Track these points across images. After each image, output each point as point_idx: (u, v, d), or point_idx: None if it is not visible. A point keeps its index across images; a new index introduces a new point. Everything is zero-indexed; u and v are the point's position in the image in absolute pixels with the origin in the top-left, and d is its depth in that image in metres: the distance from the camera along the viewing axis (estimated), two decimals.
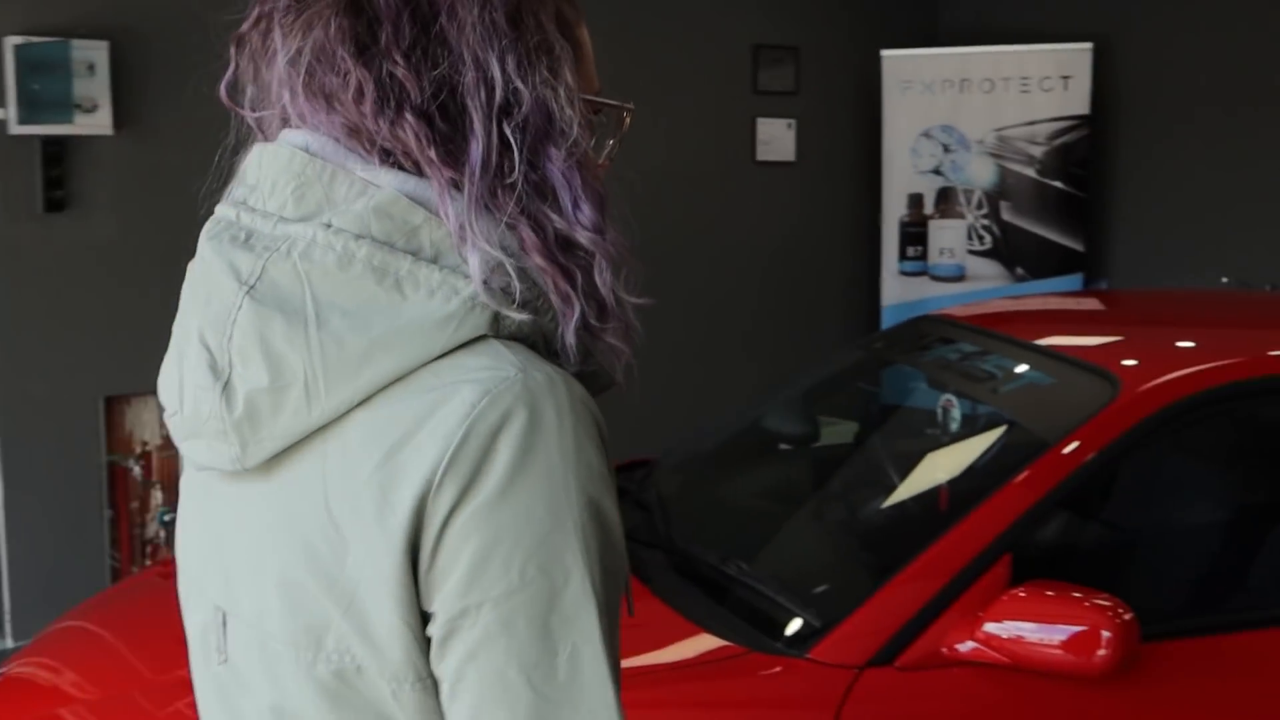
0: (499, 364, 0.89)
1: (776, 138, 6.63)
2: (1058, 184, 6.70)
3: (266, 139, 0.99)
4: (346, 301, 0.90)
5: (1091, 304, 3.57)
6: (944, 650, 2.06)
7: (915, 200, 6.79)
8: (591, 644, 0.89)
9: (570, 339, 0.94)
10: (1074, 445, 2.22)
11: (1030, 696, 2.05)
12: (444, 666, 0.89)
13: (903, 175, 6.75)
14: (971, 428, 2.66)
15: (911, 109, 6.70)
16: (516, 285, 0.91)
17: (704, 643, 2.17)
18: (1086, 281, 6.91)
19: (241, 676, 0.99)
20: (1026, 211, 6.74)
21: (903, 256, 6.80)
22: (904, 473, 2.77)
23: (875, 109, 6.71)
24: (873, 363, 3.18)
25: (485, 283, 0.90)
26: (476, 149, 0.92)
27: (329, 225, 0.92)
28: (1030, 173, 6.70)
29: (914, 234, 6.81)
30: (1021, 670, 2.03)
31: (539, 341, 0.94)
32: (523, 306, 0.91)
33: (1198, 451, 2.87)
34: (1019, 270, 6.75)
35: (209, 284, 0.95)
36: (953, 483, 2.49)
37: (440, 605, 0.88)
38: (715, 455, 3.13)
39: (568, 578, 0.88)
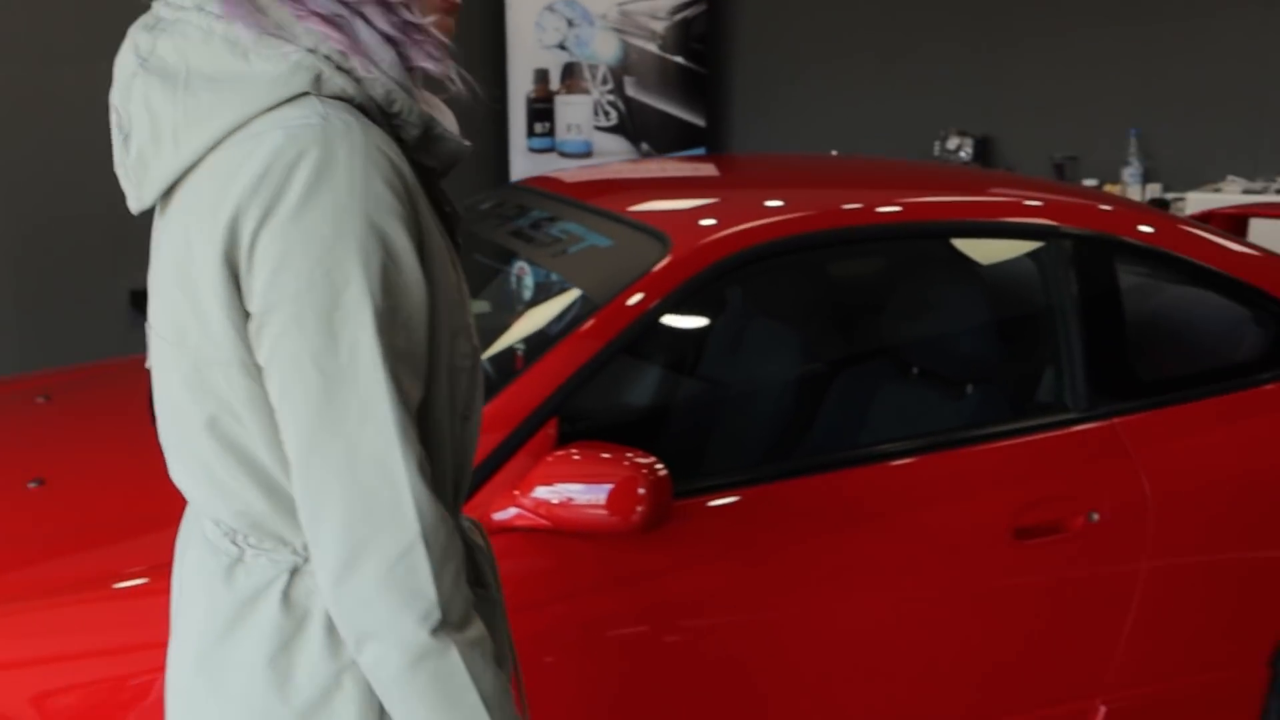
0: (308, 114, 1.10)
1: None
2: (679, 59, 6.76)
3: None
4: (207, 67, 1.14)
5: (680, 169, 3.58)
6: (491, 517, 2.02)
7: (541, 76, 6.71)
8: (368, 335, 1.09)
9: (387, 86, 1.15)
10: (622, 305, 2.20)
11: (571, 557, 2.04)
12: (260, 355, 1.12)
13: (527, 50, 6.64)
14: (537, 294, 2.62)
15: None
16: (342, 53, 1.13)
17: None
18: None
19: (156, 376, 1.26)
20: (650, 87, 6.78)
21: (530, 133, 6.73)
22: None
23: None
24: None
25: (312, 50, 1.13)
26: None
27: (201, 9, 1.16)
28: (653, 48, 6.73)
29: (541, 110, 6.74)
30: (564, 533, 2.01)
31: (373, 109, 1.15)
32: (345, 72, 1.13)
33: (769, 308, 2.94)
34: (644, 145, 6.80)
35: (121, 60, 1.22)
36: (510, 351, 2.45)
37: (253, 305, 1.11)
38: None
39: (348, 282, 1.08)
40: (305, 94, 1.11)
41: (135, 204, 1.22)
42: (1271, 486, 2.42)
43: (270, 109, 1.11)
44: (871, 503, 2.22)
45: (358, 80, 1.14)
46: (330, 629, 1.18)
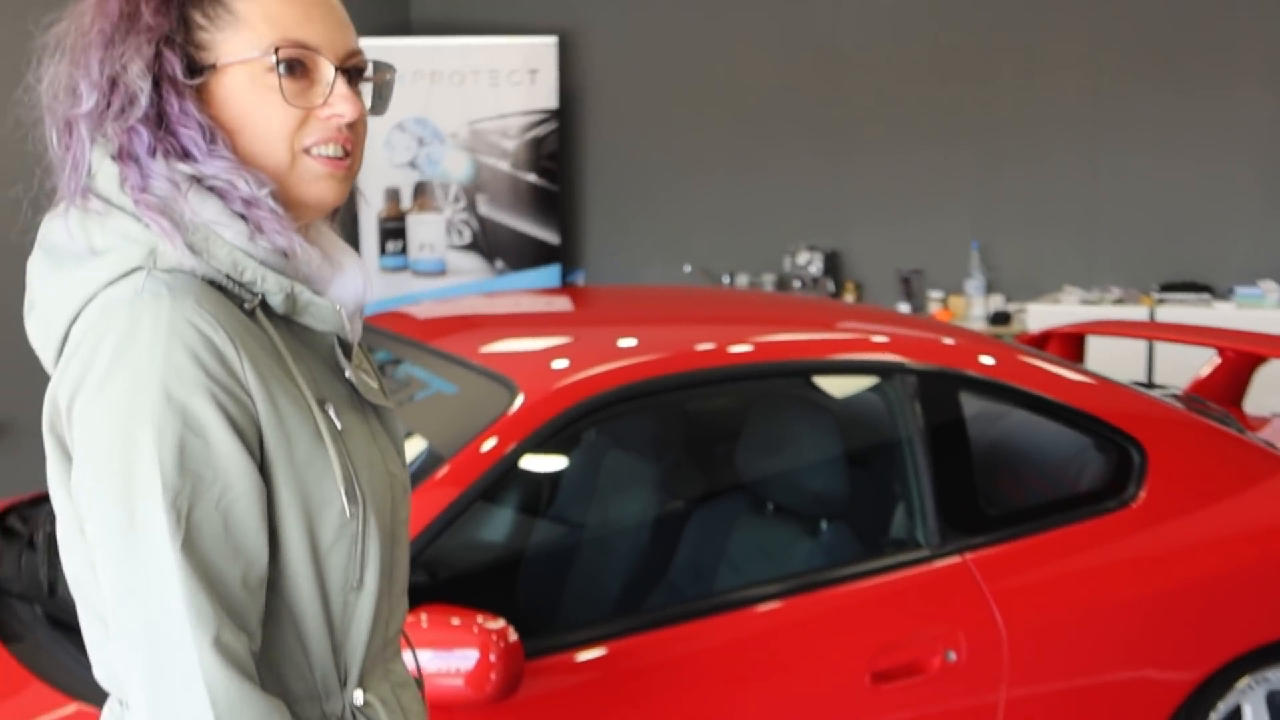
0: (126, 289, 1.13)
1: None
2: (531, 177, 6.81)
3: None
4: (64, 246, 1.19)
5: (542, 303, 3.59)
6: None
7: (392, 195, 6.69)
8: (157, 510, 1.09)
9: (233, 256, 1.17)
10: (470, 455, 2.17)
11: None
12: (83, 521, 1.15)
13: (378, 169, 6.62)
14: None
15: None
16: (181, 228, 1.15)
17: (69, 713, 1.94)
18: (564, 273, 7.09)
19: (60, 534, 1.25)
20: (503, 205, 6.80)
21: (383, 252, 6.68)
22: None
23: None
24: None
25: (148, 226, 1.15)
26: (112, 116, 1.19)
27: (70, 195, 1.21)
28: (504, 166, 6.77)
29: (392, 229, 6.71)
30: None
31: (223, 279, 1.17)
32: (190, 247, 1.15)
33: (626, 449, 2.93)
34: (499, 264, 6.81)
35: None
36: None
37: (72, 475, 1.15)
38: None
39: (139, 455, 1.09)
40: (138, 269, 1.14)
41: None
42: (1118, 612, 2.47)
43: (108, 284, 1.14)
44: (732, 652, 2.21)
45: (197, 253, 1.15)
46: None
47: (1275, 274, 6.02)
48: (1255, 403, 3.73)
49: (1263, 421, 3.34)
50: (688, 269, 6.94)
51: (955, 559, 2.39)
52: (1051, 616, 2.41)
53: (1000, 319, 6.25)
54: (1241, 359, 3.62)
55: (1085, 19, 6.26)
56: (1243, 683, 2.60)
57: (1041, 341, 3.86)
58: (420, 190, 6.71)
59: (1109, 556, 2.51)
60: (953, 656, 2.30)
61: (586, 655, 2.13)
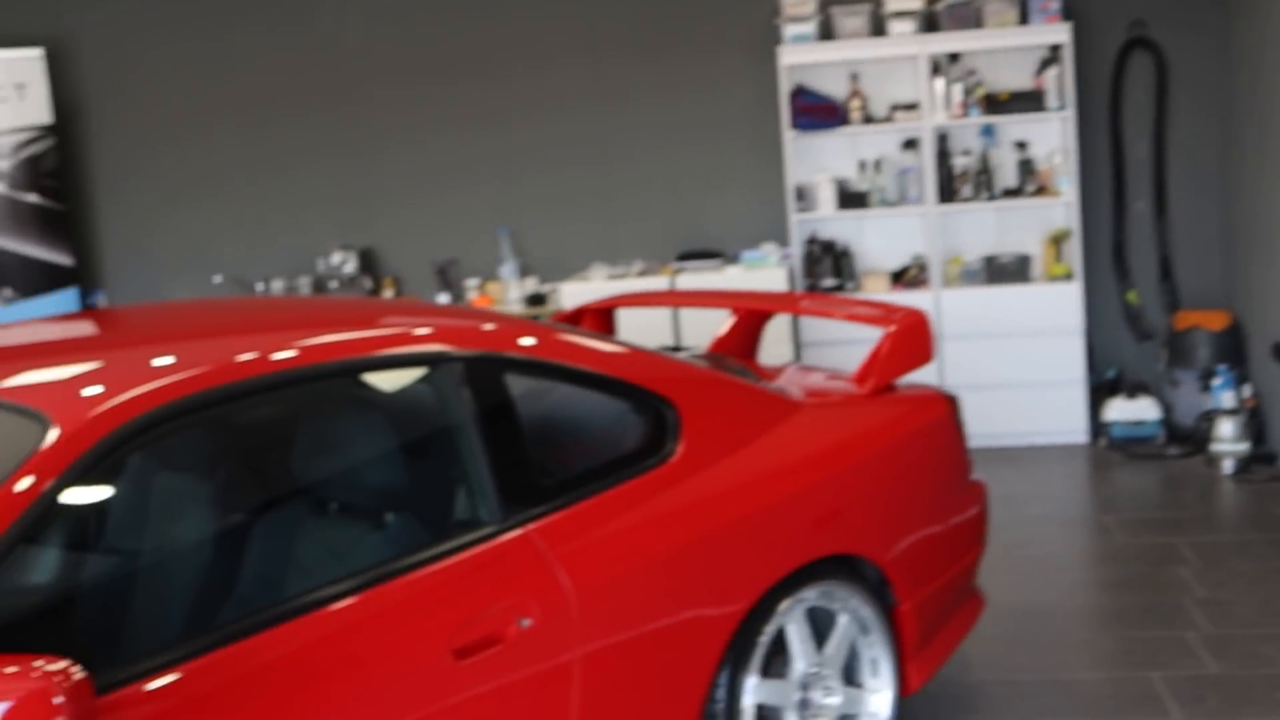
0: None
1: None
2: (32, 198, 6.35)
3: None
4: None
5: (58, 330, 3.36)
6: None
7: None
8: None
9: None
10: (10, 493, 2.04)
11: None
12: None
13: None
14: None
15: None
16: None
17: None
18: (83, 297, 6.67)
19: None
20: (4, 229, 6.31)
21: None
22: None
23: None
24: None
25: None
26: None
27: None
28: (0, 188, 6.27)
29: None
30: None
31: None
32: None
33: (177, 469, 2.83)
34: (7, 292, 6.31)
35: None
36: None
37: None
38: None
39: None
40: None
41: None
42: (668, 559, 2.67)
43: None
44: (313, 654, 2.20)
45: None
46: None
47: (775, 236, 6.60)
48: (766, 354, 4.10)
49: (777, 370, 3.68)
50: (218, 280, 6.71)
51: (518, 531, 2.50)
52: (611, 572, 2.56)
53: (536, 300, 6.48)
54: (752, 317, 3.96)
55: (581, 5, 6.58)
56: (783, 605, 2.88)
57: (576, 318, 4.05)
58: None
59: (655, 509, 2.70)
60: (526, 623, 2.40)
61: (161, 681, 2.06)
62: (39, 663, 1.85)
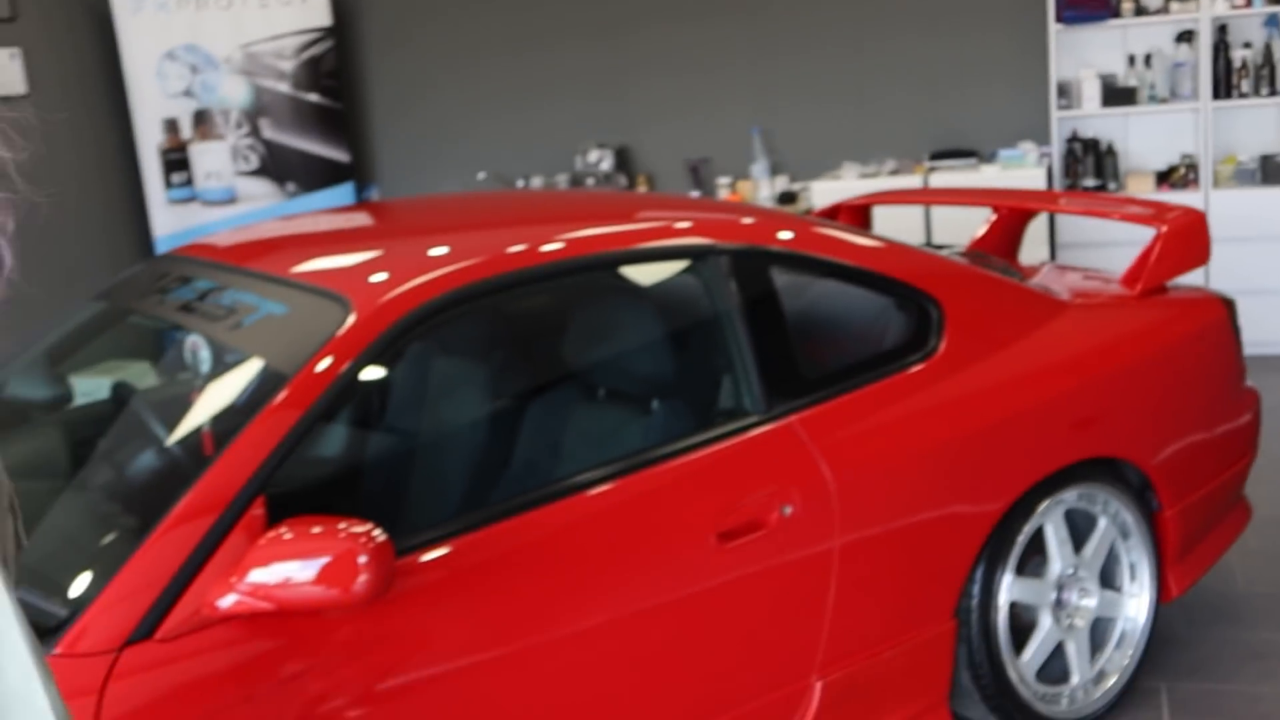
0: None
1: (1, 69, 5.96)
2: (313, 97, 6.64)
3: None
4: None
5: (344, 220, 3.54)
6: (206, 610, 1.96)
7: (171, 125, 6.44)
8: (12, 645, 0.94)
9: None
10: (313, 372, 2.17)
11: (311, 631, 2.00)
12: None
13: (152, 100, 6.36)
14: (217, 369, 2.54)
15: (149, 29, 6.29)
16: None
17: None
18: (358, 191, 6.97)
19: None
20: (287, 127, 6.63)
21: (168, 185, 6.45)
22: (159, 428, 2.60)
23: (109, 30, 6.24)
24: (114, 312, 2.94)
25: None
26: None
27: None
28: (284, 88, 6.58)
29: (175, 160, 6.47)
30: (288, 613, 1.97)
31: None
32: None
33: (455, 353, 2.96)
34: (290, 187, 6.65)
35: None
36: (203, 431, 2.37)
37: None
38: None
39: None
40: None
41: None
42: (930, 455, 2.65)
43: None
44: (584, 531, 2.28)
45: None
46: None
47: (1033, 135, 6.35)
48: (1024, 254, 3.98)
49: (1034, 270, 3.57)
50: (482, 176, 6.91)
51: (781, 422, 2.51)
52: (872, 465, 2.56)
53: (786, 198, 6.44)
54: (1014, 215, 3.84)
55: None
56: (1042, 506, 2.83)
57: (832, 216, 4.02)
58: (200, 118, 6.48)
59: (917, 405, 2.68)
60: (788, 510, 2.43)
61: (434, 554, 2.15)
62: (343, 525, 1.97)
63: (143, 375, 3.07)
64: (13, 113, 1.03)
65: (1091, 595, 2.96)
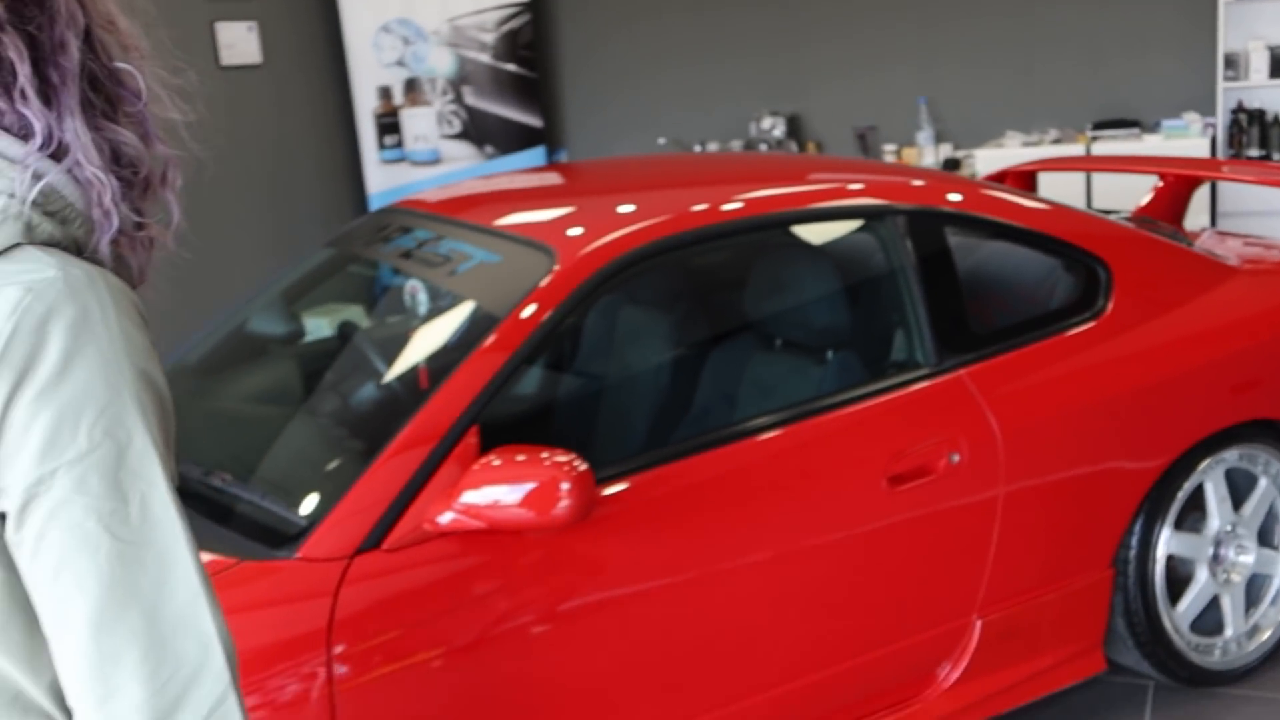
0: (38, 266, 0.92)
1: (239, 41, 6.18)
2: (510, 67, 6.72)
3: None
4: None
5: (539, 179, 3.59)
6: (427, 525, 2.02)
7: (384, 92, 6.60)
8: (158, 490, 0.94)
9: (105, 249, 1.00)
10: (521, 317, 2.21)
11: (507, 552, 2.06)
12: (24, 533, 0.92)
13: (369, 69, 6.52)
14: (434, 311, 2.61)
15: (368, 4, 6.44)
16: (56, 198, 0.97)
17: None
18: (549, 153, 7.04)
19: None
20: (487, 94, 6.73)
21: (381, 146, 6.62)
22: (381, 363, 2.69)
23: (333, 6, 6.41)
24: (340, 258, 3.04)
25: (11, 195, 0.94)
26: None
27: None
28: (485, 58, 6.67)
29: (388, 124, 6.63)
30: (497, 531, 2.03)
31: (70, 246, 0.98)
32: (52, 216, 0.96)
33: (641, 303, 2.98)
34: (488, 149, 6.76)
35: None
36: (420, 367, 2.44)
37: (15, 479, 0.91)
38: (200, 365, 2.91)
39: (130, 437, 0.93)
40: (19, 244, 0.94)
41: None
42: (1095, 411, 2.57)
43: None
44: (762, 470, 2.29)
45: (63, 221, 0.98)
46: None
47: (1197, 105, 6.05)
48: (1188, 221, 3.80)
49: (1194, 235, 3.41)
50: (661, 141, 6.91)
51: (951, 375, 2.47)
52: (1039, 419, 2.50)
53: (950, 165, 6.28)
54: (1180, 182, 3.67)
55: None
56: (1203, 464, 2.72)
57: (999, 181, 3.90)
58: (410, 86, 6.62)
59: (1083, 363, 2.60)
60: (956, 458, 2.39)
61: (615, 488, 2.16)
62: (545, 454, 2.01)
63: (365, 315, 3.17)
64: (178, 80, 1.10)
65: (1249, 552, 2.84)
